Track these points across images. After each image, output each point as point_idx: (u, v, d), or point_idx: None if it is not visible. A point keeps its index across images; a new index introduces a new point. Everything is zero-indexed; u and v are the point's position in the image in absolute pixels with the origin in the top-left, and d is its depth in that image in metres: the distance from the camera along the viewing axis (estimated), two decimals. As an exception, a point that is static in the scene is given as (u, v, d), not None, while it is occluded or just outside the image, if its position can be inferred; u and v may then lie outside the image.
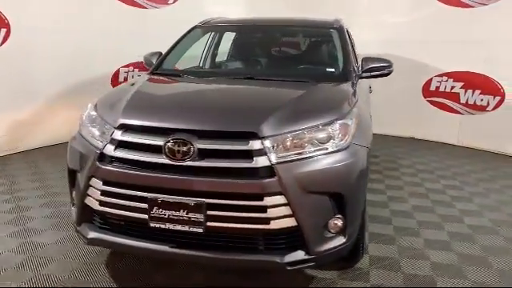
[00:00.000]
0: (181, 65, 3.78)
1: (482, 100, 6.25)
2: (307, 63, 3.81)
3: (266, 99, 2.76)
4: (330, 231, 2.30)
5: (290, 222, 2.18)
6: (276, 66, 3.82)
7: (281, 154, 2.18)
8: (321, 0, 6.70)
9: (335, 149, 2.28)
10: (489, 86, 6.11)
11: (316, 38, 4.10)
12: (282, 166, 2.16)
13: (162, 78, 3.37)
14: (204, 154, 2.19)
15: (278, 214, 2.16)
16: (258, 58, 3.85)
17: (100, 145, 2.38)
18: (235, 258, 2.25)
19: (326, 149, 2.27)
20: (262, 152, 2.17)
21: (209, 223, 2.17)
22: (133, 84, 3.04)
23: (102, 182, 2.32)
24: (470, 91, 6.35)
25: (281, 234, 2.22)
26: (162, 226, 2.23)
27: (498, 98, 6.07)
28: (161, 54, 3.77)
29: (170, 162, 2.21)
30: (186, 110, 2.52)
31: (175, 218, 2.20)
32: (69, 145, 2.64)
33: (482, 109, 6.23)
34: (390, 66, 3.28)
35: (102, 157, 2.34)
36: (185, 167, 2.20)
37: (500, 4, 5.82)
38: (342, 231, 2.32)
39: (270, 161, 2.16)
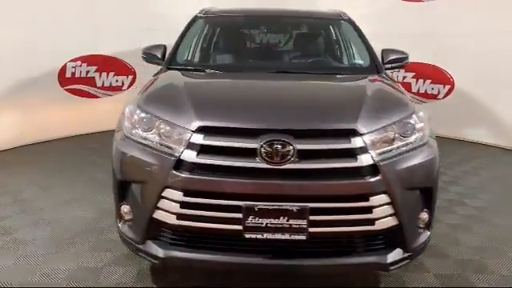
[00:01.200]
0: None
1: (432, 89, 6.69)
2: (330, 55, 3.76)
3: (341, 94, 2.66)
4: (419, 226, 2.29)
5: (392, 221, 2.12)
6: (302, 59, 3.69)
7: (379, 151, 2.11)
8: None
9: (420, 143, 2.26)
10: (439, 76, 6.57)
11: (328, 29, 4.04)
12: (385, 163, 2.08)
13: (194, 73, 3.10)
14: (303, 155, 2.03)
15: (383, 214, 2.09)
16: (277, 50, 3.70)
17: (173, 151, 2.10)
18: (339, 263, 2.13)
19: (412, 143, 2.24)
20: (364, 150, 2.07)
21: (311, 229, 2.03)
22: (167, 80, 2.80)
23: (182, 193, 2.05)
24: (421, 81, 6.76)
25: (380, 233, 2.16)
26: (259, 237, 2.04)
27: (448, 87, 6.55)
28: (165, 47, 3.45)
29: (268, 166, 2.02)
30: (274, 108, 2.32)
31: (274, 226, 2.02)
32: (117, 153, 2.30)
33: (433, 97, 6.68)
34: (407, 57, 3.35)
35: (179, 164, 2.07)
36: (284, 170, 2.02)
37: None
38: (428, 225, 2.32)
39: (373, 159, 2.07)
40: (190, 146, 2.08)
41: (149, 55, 3.42)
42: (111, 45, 6.61)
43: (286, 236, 2.03)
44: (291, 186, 2.03)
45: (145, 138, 2.23)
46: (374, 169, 2.06)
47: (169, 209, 2.09)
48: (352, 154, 2.07)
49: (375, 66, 3.19)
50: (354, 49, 3.49)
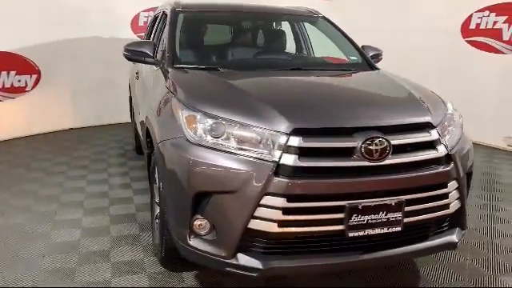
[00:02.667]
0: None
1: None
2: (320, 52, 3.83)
3: (388, 89, 2.77)
4: None
5: (458, 204, 2.32)
6: (303, 56, 3.72)
7: (446, 141, 2.29)
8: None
9: (462, 131, 2.51)
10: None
11: (302, 26, 4.08)
12: (453, 152, 2.27)
13: (221, 72, 2.86)
14: (395, 150, 2.10)
15: (454, 198, 2.27)
16: (266, 48, 3.66)
17: (269, 156, 1.99)
18: (422, 248, 2.26)
19: (453, 131, 2.46)
20: (439, 141, 2.23)
21: (405, 220, 2.12)
22: (211, 81, 2.64)
23: (285, 199, 1.96)
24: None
25: (449, 216, 2.33)
26: (361, 234, 2.06)
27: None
28: (154, 44, 3.17)
29: (368, 164, 2.04)
30: (355, 106, 2.34)
31: (375, 221, 2.06)
32: (189, 163, 2.08)
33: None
34: (381, 53, 3.62)
35: (278, 169, 1.97)
36: (383, 166, 2.07)
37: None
38: None
39: (447, 148, 2.24)
40: (288, 149, 1.99)
41: (136, 53, 3.10)
42: (12, 40, 5.74)
43: (385, 230, 2.08)
44: (390, 181, 2.08)
45: (221, 144, 2.07)
46: (447, 158, 2.24)
47: (269, 216, 1.97)
48: (432, 145, 2.21)
49: (366, 62, 3.37)
50: (346, 45, 3.60)
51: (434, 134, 2.23)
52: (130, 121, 5.70)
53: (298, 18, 4.00)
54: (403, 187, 2.11)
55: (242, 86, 2.55)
